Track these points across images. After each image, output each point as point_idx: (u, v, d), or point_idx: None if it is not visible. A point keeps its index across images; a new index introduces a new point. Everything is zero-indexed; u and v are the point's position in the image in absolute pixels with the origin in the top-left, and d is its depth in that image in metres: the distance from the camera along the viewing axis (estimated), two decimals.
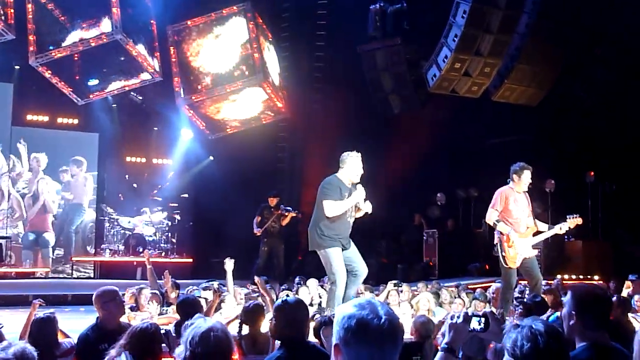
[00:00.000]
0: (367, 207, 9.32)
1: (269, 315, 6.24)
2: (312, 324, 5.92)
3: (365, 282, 10.82)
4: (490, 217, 10.29)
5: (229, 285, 10.75)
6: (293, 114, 20.57)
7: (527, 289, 11.37)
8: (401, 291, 12.07)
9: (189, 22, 18.04)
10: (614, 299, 8.61)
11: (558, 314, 7.46)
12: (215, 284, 10.79)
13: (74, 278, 20.61)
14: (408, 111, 22.05)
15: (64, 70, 16.10)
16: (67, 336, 6.97)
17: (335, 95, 21.67)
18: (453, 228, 22.70)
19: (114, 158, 23.00)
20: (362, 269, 9.35)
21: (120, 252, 21.05)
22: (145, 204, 22.17)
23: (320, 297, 11.90)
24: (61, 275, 20.91)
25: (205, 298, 9.87)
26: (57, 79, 16.11)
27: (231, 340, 3.67)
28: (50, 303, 8.49)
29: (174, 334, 7.13)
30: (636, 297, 11.40)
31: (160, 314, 9.48)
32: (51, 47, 15.40)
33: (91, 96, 17.29)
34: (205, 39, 17.95)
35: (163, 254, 21.45)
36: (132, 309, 9.75)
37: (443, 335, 3.84)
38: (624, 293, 10.97)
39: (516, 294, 11.20)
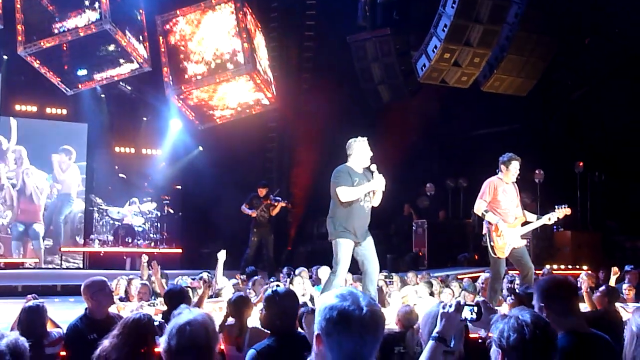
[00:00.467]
0: (380, 185, 9.28)
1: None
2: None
3: (354, 272, 10.83)
4: (479, 207, 10.30)
5: (217, 275, 10.74)
6: (282, 104, 20.56)
7: (516, 278, 11.39)
8: (391, 282, 12.09)
9: (178, 12, 17.98)
10: (602, 288, 8.66)
11: None
12: (205, 274, 10.79)
13: (63, 268, 20.57)
14: (397, 101, 22.04)
15: (53, 60, 16.04)
16: (57, 326, 6.95)
17: (325, 86, 21.64)
18: (444, 218, 22.76)
19: (102, 148, 22.95)
20: (373, 268, 9.31)
21: (110, 243, 21.03)
22: (134, 195, 22.14)
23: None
24: (50, 266, 20.89)
25: (191, 288, 9.86)
26: (45, 68, 16.06)
27: (211, 334, 3.59)
28: (39, 294, 8.45)
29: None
30: (625, 285, 11.46)
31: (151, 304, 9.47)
32: (39, 37, 15.34)
33: (80, 86, 17.24)
34: (194, 28, 17.89)
35: (152, 244, 21.41)
36: (121, 299, 9.75)
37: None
38: (612, 280, 10.99)
39: (507, 284, 11.23)
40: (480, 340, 4.48)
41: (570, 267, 17.51)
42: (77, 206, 22.15)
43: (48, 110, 21.89)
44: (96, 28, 15.11)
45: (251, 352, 4.88)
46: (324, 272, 11.77)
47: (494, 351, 3.19)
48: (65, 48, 15.92)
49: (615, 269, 11.22)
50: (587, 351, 4.00)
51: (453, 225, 22.06)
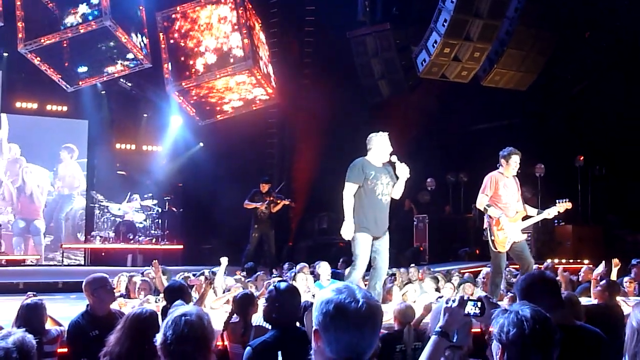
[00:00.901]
0: (406, 173, 9.30)
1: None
2: None
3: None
4: (481, 202, 10.30)
5: (217, 278, 10.71)
6: (283, 100, 20.54)
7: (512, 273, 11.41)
8: (393, 280, 12.10)
9: (178, 8, 17.95)
10: (603, 282, 8.66)
11: None
12: (207, 271, 10.79)
13: (64, 265, 20.59)
14: (398, 96, 22.04)
15: (53, 57, 16.00)
16: (57, 323, 6.95)
17: (325, 81, 21.64)
18: (450, 212, 22.78)
19: (103, 145, 22.97)
20: (382, 264, 9.35)
21: (111, 239, 21.01)
22: (135, 191, 22.15)
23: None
24: (51, 263, 20.90)
25: (190, 286, 9.85)
26: (46, 65, 16.02)
27: (207, 326, 3.61)
28: (40, 290, 8.45)
29: None
30: (626, 279, 11.47)
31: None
32: (40, 34, 15.31)
33: (80, 83, 17.19)
34: (194, 24, 17.87)
35: (153, 240, 21.42)
36: (122, 296, 9.76)
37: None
38: (613, 273, 11.00)
39: (512, 280, 11.24)
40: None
41: (571, 261, 17.52)
42: (78, 203, 22.20)
43: (48, 107, 21.92)
44: (96, 25, 15.09)
45: (247, 349, 4.90)
46: (323, 268, 11.77)
47: (494, 346, 3.19)
48: (65, 45, 15.89)
49: (616, 261, 11.23)
50: (573, 344, 3.99)
51: (454, 220, 22.07)
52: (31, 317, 6.30)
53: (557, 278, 9.39)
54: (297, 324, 5.46)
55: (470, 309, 3.65)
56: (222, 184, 20.99)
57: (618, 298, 8.64)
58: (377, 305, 2.67)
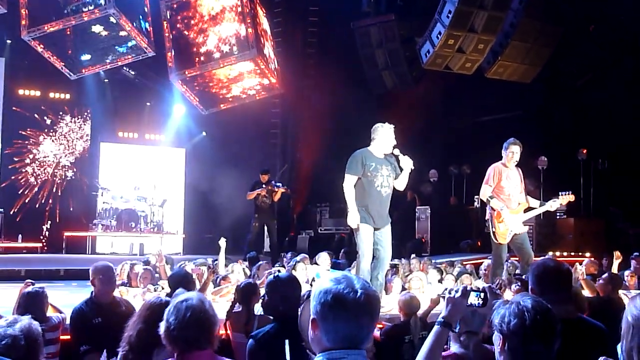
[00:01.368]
0: (409, 165, 9.32)
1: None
2: None
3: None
4: (484, 193, 10.30)
5: (220, 263, 10.71)
6: (286, 90, 20.51)
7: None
8: (395, 272, 12.09)
9: None
10: (605, 275, 8.65)
11: None
12: (210, 260, 10.79)
13: (66, 253, 20.62)
14: (401, 87, 22.00)
15: (57, 44, 15.97)
16: (59, 311, 6.96)
17: (329, 71, 21.62)
18: (455, 203, 22.77)
19: (106, 133, 22.98)
20: (385, 254, 9.33)
21: (113, 228, 21.04)
22: (137, 180, 22.15)
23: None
24: (53, 250, 20.94)
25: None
26: (49, 53, 16.00)
27: (209, 312, 3.62)
28: (42, 278, 8.46)
29: None
30: (627, 272, 11.45)
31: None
32: (43, 21, 15.29)
33: (84, 71, 17.18)
34: (198, 13, 17.83)
35: (155, 229, 21.44)
36: (124, 284, 9.75)
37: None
38: (615, 265, 11.00)
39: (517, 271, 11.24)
40: None
41: (573, 254, 17.51)
42: (81, 192, 22.24)
43: (51, 94, 21.91)
44: (100, 13, 15.06)
45: (249, 341, 4.88)
46: (323, 258, 11.78)
47: (495, 336, 3.19)
48: (69, 32, 15.87)
49: (617, 253, 11.23)
50: (575, 337, 3.98)
51: (456, 212, 22.07)
52: (32, 305, 6.29)
53: None
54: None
55: (473, 299, 3.65)
56: (224, 174, 21.00)
57: (620, 291, 8.63)
58: (375, 296, 2.68)
